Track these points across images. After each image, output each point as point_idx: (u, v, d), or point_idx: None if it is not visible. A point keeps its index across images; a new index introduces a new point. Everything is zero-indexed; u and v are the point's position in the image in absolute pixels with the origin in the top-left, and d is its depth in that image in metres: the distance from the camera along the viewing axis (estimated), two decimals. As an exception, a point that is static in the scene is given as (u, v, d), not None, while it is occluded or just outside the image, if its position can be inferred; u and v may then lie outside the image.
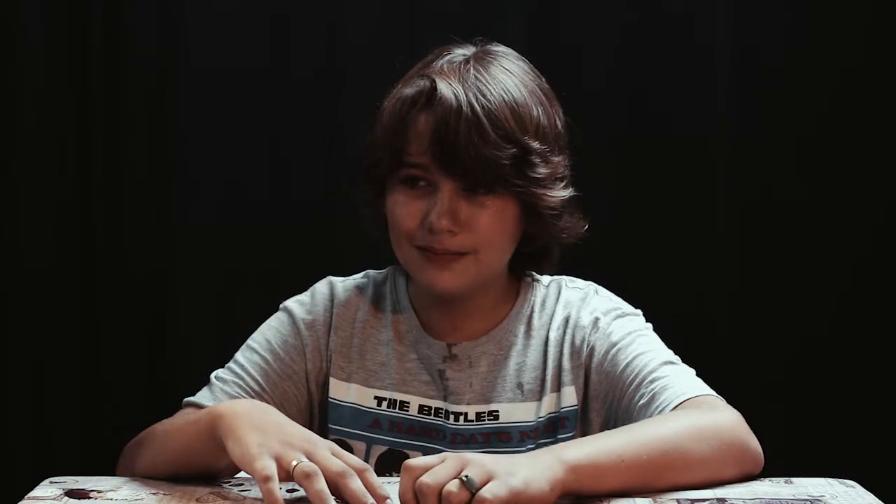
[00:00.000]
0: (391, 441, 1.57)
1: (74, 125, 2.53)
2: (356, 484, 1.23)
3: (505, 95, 1.49)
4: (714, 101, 2.53)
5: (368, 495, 1.23)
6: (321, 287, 1.63)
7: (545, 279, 1.64)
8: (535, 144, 1.49)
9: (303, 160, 2.54)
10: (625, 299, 1.64)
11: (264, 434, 1.28)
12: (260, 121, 2.55)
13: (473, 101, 1.47)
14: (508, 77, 1.51)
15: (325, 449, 1.27)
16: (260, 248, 2.55)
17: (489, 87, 1.48)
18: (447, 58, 1.54)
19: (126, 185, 2.54)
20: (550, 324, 1.59)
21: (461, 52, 1.54)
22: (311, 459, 1.25)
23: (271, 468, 1.24)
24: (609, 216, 2.32)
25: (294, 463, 1.24)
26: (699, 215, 2.54)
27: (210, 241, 2.55)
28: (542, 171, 1.50)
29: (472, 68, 1.50)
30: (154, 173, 2.54)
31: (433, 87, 1.48)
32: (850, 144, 2.54)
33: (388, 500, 1.24)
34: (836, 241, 2.54)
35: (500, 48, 1.57)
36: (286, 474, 1.24)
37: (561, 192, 1.53)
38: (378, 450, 1.56)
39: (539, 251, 1.60)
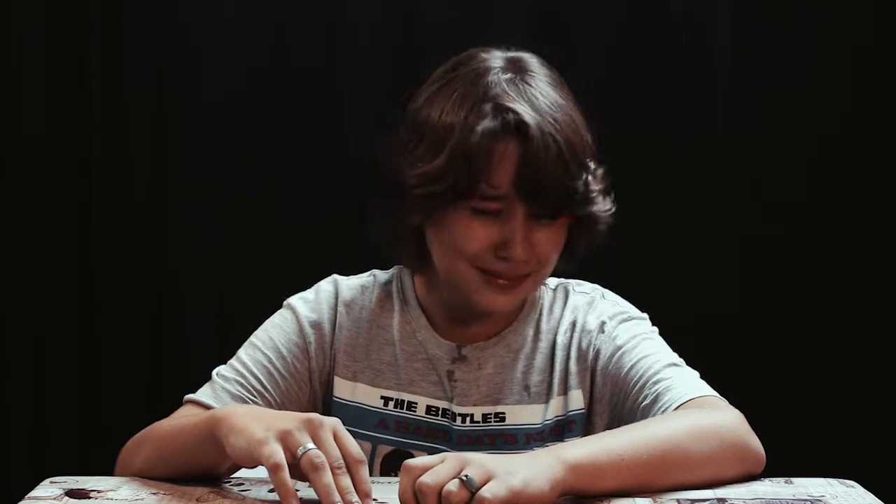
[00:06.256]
0: (397, 441, 1.56)
1: (74, 126, 2.53)
2: (345, 482, 1.23)
3: (570, 123, 1.46)
4: (714, 101, 2.53)
5: (353, 492, 1.23)
6: (326, 285, 1.62)
7: (552, 282, 1.63)
8: (592, 165, 1.50)
9: (303, 160, 2.54)
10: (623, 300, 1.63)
11: (266, 421, 1.28)
12: (260, 121, 2.55)
13: (554, 132, 1.43)
14: (564, 99, 1.48)
15: (329, 431, 1.26)
16: (260, 248, 2.55)
17: (557, 114, 1.45)
18: (495, 75, 1.47)
19: (126, 185, 2.54)
20: (558, 328, 1.59)
21: (499, 65, 1.49)
22: (315, 443, 1.24)
23: (279, 454, 1.23)
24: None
25: (301, 450, 1.24)
26: (699, 215, 2.54)
27: (210, 241, 2.55)
28: (594, 188, 1.50)
29: (535, 90, 1.46)
30: (154, 173, 2.54)
31: (518, 118, 1.43)
32: (851, 144, 2.54)
33: (373, 501, 1.23)
34: (837, 242, 2.54)
35: (533, 60, 1.52)
36: (292, 457, 1.24)
37: (609, 206, 1.53)
38: (384, 450, 1.55)
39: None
